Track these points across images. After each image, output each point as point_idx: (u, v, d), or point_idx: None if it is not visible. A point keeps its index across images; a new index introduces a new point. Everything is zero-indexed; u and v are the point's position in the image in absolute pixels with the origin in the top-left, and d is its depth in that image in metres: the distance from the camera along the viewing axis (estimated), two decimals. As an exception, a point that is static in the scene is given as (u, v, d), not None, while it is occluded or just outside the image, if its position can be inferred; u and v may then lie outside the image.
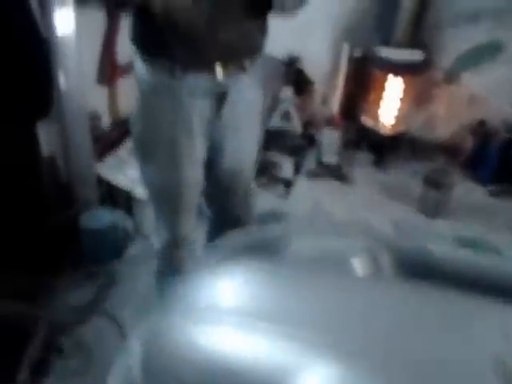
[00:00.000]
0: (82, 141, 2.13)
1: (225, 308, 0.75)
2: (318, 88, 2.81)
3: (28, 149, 1.95)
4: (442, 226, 2.27)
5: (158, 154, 1.31)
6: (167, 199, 1.40)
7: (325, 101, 2.86)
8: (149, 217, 2.21)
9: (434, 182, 2.27)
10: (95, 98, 2.27)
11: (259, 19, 1.24)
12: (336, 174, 2.55)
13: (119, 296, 1.99)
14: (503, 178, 2.51)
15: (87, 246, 2.08)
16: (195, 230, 1.50)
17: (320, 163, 2.60)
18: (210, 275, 0.87)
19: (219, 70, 1.18)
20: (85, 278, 2.00)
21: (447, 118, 2.75)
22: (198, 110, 1.22)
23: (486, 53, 2.56)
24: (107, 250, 2.11)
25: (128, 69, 2.39)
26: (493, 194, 2.47)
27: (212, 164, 1.37)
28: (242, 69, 1.22)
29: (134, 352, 0.72)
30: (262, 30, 1.26)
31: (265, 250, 0.96)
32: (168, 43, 1.15)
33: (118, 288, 2.02)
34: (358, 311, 0.73)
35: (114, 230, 2.10)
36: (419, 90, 2.67)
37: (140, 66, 1.23)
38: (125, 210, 2.25)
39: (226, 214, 1.53)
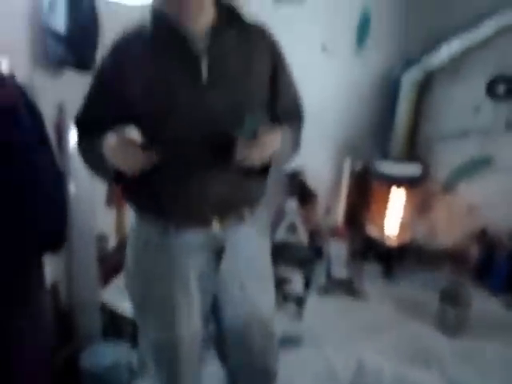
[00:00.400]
0: (88, 266, 2.03)
1: None
2: (321, 199, 2.86)
3: (32, 279, 1.83)
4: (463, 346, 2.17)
5: (152, 310, 1.21)
6: (164, 359, 1.25)
7: (328, 211, 2.89)
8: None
9: (450, 298, 2.22)
10: (103, 220, 2.22)
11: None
12: (347, 288, 2.49)
13: None
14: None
15: None
16: None
17: (330, 277, 2.54)
18: None
19: (215, 224, 1.12)
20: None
21: (448, 227, 2.80)
22: (194, 265, 1.14)
23: (477, 166, 2.70)
24: None
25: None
26: (507, 306, 2.43)
27: (216, 320, 1.26)
28: (241, 219, 1.16)
29: None
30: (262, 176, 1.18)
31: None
32: (160, 199, 1.11)
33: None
34: None
35: (116, 370, 1.90)
36: (419, 201, 2.75)
37: (133, 220, 1.19)
38: (129, 340, 2.08)
39: (241, 372, 1.35)
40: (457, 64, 2.51)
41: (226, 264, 1.15)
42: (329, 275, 2.55)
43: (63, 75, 1.74)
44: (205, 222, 1.11)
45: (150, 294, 1.20)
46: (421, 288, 2.55)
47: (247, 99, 1.08)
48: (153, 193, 1.11)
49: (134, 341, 2.09)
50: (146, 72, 1.04)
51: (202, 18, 1.05)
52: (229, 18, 1.09)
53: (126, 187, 1.18)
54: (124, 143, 0.99)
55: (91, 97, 1.13)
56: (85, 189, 1.90)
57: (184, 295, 1.15)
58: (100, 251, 2.15)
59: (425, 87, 2.61)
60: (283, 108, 1.20)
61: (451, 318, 2.22)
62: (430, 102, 2.66)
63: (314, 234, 2.78)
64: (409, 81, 2.56)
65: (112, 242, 2.31)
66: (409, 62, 2.55)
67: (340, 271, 2.56)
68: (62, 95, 1.73)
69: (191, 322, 1.18)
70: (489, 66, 2.50)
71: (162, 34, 1.04)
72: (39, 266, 1.51)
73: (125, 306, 2.08)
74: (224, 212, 1.12)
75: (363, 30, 2.65)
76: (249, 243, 1.19)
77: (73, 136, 1.81)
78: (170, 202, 1.10)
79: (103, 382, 1.87)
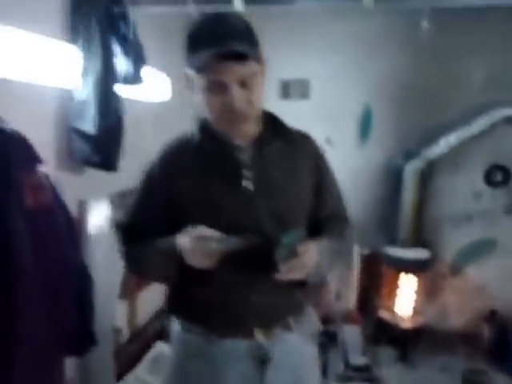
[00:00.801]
0: (105, 360, 2.03)
1: None
2: (332, 285, 2.91)
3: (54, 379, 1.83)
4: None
5: None
6: None
7: (339, 297, 2.94)
8: None
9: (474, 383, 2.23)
10: (117, 312, 2.26)
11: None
12: (367, 376, 2.48)
13: None
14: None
15: None
16: None
17: (348, 364, 2.54)
18: None
19: (258, 334, 1.10)
20: None
21: (459, 308, 2.85)
22: (237, 374, 1.11)
23: (482, 248, 2.80)
24: None
25: (148, 283, 2.45)
26: (528, 391, 2.42)
27: None
28: (287, 328, 1.14)
29: None
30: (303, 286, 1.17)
31: None
32: (203, 307, 1.11)
33: None
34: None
35: None
36: (429, 284, 2.82)
37: (175, 328, 1.20)
38: None
39: None
40: (455, 155, 2.70)
41: (270, 374, 1.13)
42: (346, 362, 2.55)
43: (84, 172, 1.79)
44: (248, 333, 1.10)
45: None
46: (438, 372, 2.55)
47: (292, 208, 1.11)
48: (196, 300, 1.12)
49: None
50: (192, 183, 1.08)
51: (247, 131, 1.10)
52: (274, 128, 1.14)
53: (170, 296, 1.19)
54: (201, 239, 1.01)
55: (138, 204, 1.17)
56: (103, 283, 1.96)
57: None
58: (114, 344, 2.16)
59: (427, 176, 2.78)
60: (326, 213, 1.22)
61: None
62: (433, 189, 2.82)
63: (326, 320, 2.81)
64: (411, 170, 2.74)
65: (125, 335, 2.33)
66: (409, 154, 2.75)
67: (357, 358, 2.56)
68: (82, 192, 1.79)
69: None
70: (485, 157, 2.69)
71: (208, 145, 1.10)
72: (61, 367, 1.51)
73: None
74: (268, 322, 1.12)
75: (365, 126, 2.87)
76: (295, 352, 1.16)
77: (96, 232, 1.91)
78: (213, 311, 1.11)
79: None
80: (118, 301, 2.29)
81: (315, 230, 1.17)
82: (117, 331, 2.26)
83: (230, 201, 1.07)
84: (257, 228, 1.06)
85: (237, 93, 1.00)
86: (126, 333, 2.34)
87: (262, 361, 1.12)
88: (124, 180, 2.15)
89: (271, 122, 1.15)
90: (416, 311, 2.77)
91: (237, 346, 1.11)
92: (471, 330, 2.80)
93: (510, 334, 2.62)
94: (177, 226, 1.08)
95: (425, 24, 2.51)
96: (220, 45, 0.95)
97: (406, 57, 2.75)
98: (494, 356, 2.65)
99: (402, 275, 2.72)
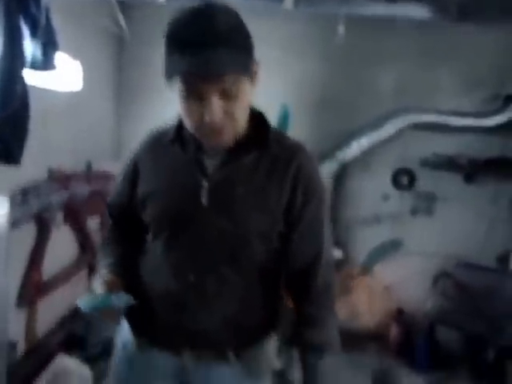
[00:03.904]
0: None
1: None
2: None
3: None
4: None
5: None
6: None
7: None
8: None
9: (383, 383, 2.27)
10: (12, 323, 1.97)
11: (261, 300, 1.02)
12: (281, 380, 2.42)
13: None
14: (437, 364, 2.63)
15: None
16: None
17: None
18: None
19: (186, 355, 1.00)
20: None
21: (368, 307, 2.93)
22: None
23: (389, 248, 2.92)
24: None
25: (51, 287, 2.19)
26: (432, 384, 2.54)
27: None
28: (224, 360, 1.00)
29: None
30: (267, 313, 1.04)
31: None
32: (137, 312, 1.02)
33: None
34: None
35: None
36: (341, 284, 2.86)
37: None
38: None
39: None
40: (366, 158, 2.79)
41: None
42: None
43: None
44: (175, 350, 1.01)
45: None
46: (350, 370, 2.57)
47: (248, 236, 0.95)
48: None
49: None
50: (153, 179, 1.03)
51: (225, 141, 0.94)
52: (258, 134, 0.98)
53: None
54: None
55: (118, 184, 1.15)
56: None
57: None
58: (8, 360, 1.88)
59: (340, 178, 2.85)
60: (295, 262, 1.01)
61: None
62: (345, 191, 2.89)
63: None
64: (325, 172, 2.77)
65: (20, 349, 2.04)
66: (324, 156, 2.79)
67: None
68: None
69: None
70: (393, 161, 2.82)
71: (178, 146, 1.00)
72: None
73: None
74: (199, 346, 1.00)
75: (282, 126, 2.85)
76: None
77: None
78: (145, 316, 1.03)
79: None
80: (14, 309, 1.99)
81: (284, 269, 1.03)
82: (12, 345, 1.96)
83: (182, 210, 0.98)
84: (203, 247, 0.97)
85: (215, 105, 0.85)
86: (22, 347, 2.04)
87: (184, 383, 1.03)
88: (27, 175, 1.91)
89: (258, 126, 0.99)
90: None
91: (162, 361, 1.03)
92: (380, 328, 2.89)
93: (415, 333, 2.75)
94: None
95: (341, 29, 2.59)
96: (196, 55, 0.81)
97: (323, 60, 2.81)
98: (401, 353, 2.75)
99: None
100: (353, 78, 2.81)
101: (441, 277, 2.74)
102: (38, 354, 2.09)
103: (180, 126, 1.00)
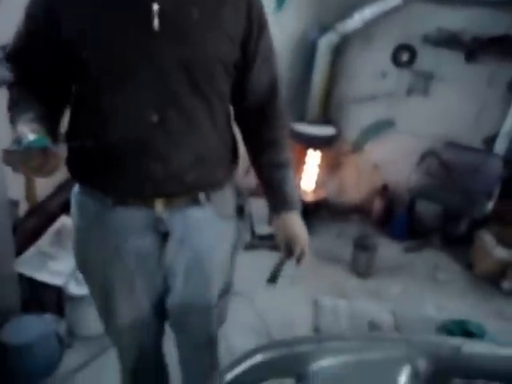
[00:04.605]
0: (2, 234, 1.86)
1: None
2: (241, 160, 2.92)
3: None
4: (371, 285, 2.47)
5: (93, 294, 1.17)
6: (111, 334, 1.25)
7: (247, 172, 2.96)
8: (84, 315, 1.98)
9: (361, 246, 2.49)
10: (11, 183, 2.04)
11: (224, 134, 1.05)
12: (271, 244, 2.62)
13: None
14: (413, 234, 2.86)
15: (14, 366, 1.73)
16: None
17: (254, 234, 2.66)
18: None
19: (159, 205, 0.99)
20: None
21: (356, 184, 3.07)
22: (134, 247, 1.02)
23: (382, 127, 2.96)
24: (39, 366, 1.77)
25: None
26: (407, 250, 2.78)
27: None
28: (195, 202, 1.02)
29: None
30: (229, 149, 1.07)
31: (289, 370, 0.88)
32: (99, 168, 0.97)
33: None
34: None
35: (44, 342, 1.78)
36: (332, 160, 2.96)
37: (75, 191, 1.08)
38: (54, 311, 1.96)
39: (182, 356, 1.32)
40: (368, 31, 2.68)
41: (170, 250, 1.04)
42: (253, 232, 2.67)
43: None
44: (146, 201, 0.99)
45: (89, 273, 1.15)
46: (335, 238, 2.81)
47: (207, 60, 0.93)
48: (93, 158, 0.95)
49: (59, 311, 1.99)
50: (92, 3, 0.88)
51: None
52: None
53: (69, 154, 0.92)
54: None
55: (22, 27, 0.94)
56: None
57: (122, 279, 1.07)
58: (12, 218, 1.99)
59: (340, 51, 2.76)
60: (255, 86, 1.04)
61: (362, 262, 2.50)
62: (344, 65, 2.83)
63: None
64: (325, 44, 2.69)
65: (23, 208, 2.15)
66: (324, 28, 2.67)
67: (262, 228, 2.68)
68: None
69: (133, 309, 1.13)
70: (395, 35, 2.71)
71: None
72: None
73: (44, 275, 1.97)
74: (171, 192, 0.99)
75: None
76: (202, 228, 1.05)
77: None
78: (108, 172, 0.96)
79: (31, 355, 1.75)
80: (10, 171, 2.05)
81: (238, 104, 1.08)
82: (12, 204, 2.05)
83: (132, 41, 0.88)
84: (162, 81, 0.90)
85: None
86: (24, 207, 2.14)
87: (163, 234, 1.02)
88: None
89: None
90: (318, 185, 2.92)
91: (134, 216, 1.00)
92: (365, 202, 3.07)
93: (397, 206, 2.93)
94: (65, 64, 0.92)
95: None
96: None
97: None
98: (382, 224, 2.96)
99: (310, 151, 2.80)
100: None
101: (428, 155, 2.82)
102: (41, 214, 2.19)
103: None
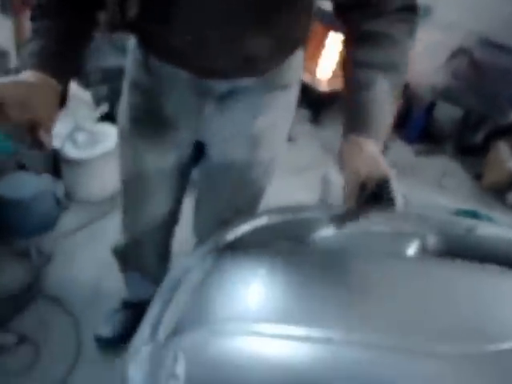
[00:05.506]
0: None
1: (256, 316, 0.73)
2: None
3: None
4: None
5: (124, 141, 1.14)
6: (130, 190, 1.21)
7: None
8: (82, 179, 1.93)
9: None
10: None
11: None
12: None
13: (57, 275, 1.73)
14: (427, 138, 2.72)
15: (10, 220, 1.73)
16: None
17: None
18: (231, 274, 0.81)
19: (204, 71, 0.92)
20: (14, 259, 1.68)
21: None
22: (176, 103, 1.00)
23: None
24: (36, 223, 1.78)
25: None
26: (418, 154, 2.67)
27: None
28: (248, 74, 0.95)
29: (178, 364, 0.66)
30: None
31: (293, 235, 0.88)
32: (144, 19, 0.84)
33: (54, 266, 1.75)
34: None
35: (41, 198, 1.77)
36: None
37: (131, 42, 1.03)
38: (51, 173, 1.91)
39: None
40: None
41: (209, 114, 0.99)
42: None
43: None
44: (189, 65, 0.92)
45: (126, 124, 1.09)
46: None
47: None
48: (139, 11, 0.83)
49: (57, 174, 1.94)
50: None
51: None
52: None
53: None
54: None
55: None
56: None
57: (160, 129, 1.05)
58: (1, 70, 1.83)
59: None
60: None
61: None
62: None
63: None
64: None
65: (14, 60, 1.96)
66: None
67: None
68: None
69: (159, 157, 1.10)
70: None
71: None
72: None
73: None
74: (223, 63, 0.90)
75: None
76: (247, 101, 0.98)
77: None
78: (153, 26, 0.86)
79: (28, 210, 1.74)
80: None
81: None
82: (2, 54, 1.87)
83: None
84: None
85: None
86: (14, 57, 1.94)
87: (205, 95, 0.96)
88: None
89: None
90: (335, 75, 2.70)
91: (175, 76, 0.95)
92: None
93: (414, 106, 2.74)
94: None
95: None
96: None
97: None
98: (396, 123, 2.78)
99: (331, 33, 2.53)
100: None
101: (459, 53, 2.57)
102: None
103: None
